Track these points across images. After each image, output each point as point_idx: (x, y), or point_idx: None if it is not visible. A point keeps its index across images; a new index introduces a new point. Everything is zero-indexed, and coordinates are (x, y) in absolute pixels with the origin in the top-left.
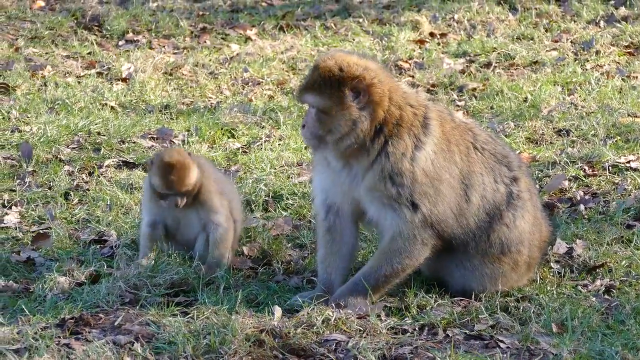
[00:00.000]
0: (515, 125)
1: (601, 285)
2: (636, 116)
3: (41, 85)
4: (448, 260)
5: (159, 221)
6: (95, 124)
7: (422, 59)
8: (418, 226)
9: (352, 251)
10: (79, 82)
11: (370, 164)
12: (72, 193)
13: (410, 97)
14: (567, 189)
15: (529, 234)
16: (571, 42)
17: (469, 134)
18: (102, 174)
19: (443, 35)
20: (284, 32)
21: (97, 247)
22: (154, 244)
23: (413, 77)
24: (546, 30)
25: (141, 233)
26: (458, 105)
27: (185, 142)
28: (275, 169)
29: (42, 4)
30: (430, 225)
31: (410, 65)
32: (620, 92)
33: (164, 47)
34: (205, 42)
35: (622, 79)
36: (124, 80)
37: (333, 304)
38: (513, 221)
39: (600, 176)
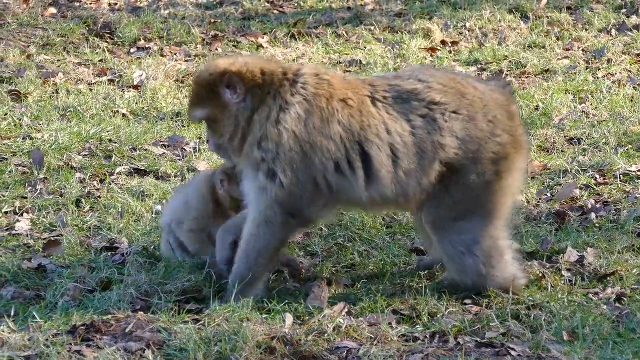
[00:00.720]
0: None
1: (612, 293)
2: None
3: (53, 92)
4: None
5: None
6: (107, 131)
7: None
8: (277, 197)
9: None
10: (90, 89)
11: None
12: (83, 200)
13: (285, 65)
14: (578, 197)
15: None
16: (582, 50)
17: (366, 88)
18: (113, 181)
19: (454, 43)
20: (296, 39)
21: (108, 254)
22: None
23: None
24: (557, 39)
25: None
26: None
27: (197, 149)
28: None
29: (54, 11)
30: (290, 194)
31: None
32: (631, 100)
33: (175, 54)
34: (216, 49)
35: (633, 87)
36: (135, 87)
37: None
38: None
39: (611, 184)
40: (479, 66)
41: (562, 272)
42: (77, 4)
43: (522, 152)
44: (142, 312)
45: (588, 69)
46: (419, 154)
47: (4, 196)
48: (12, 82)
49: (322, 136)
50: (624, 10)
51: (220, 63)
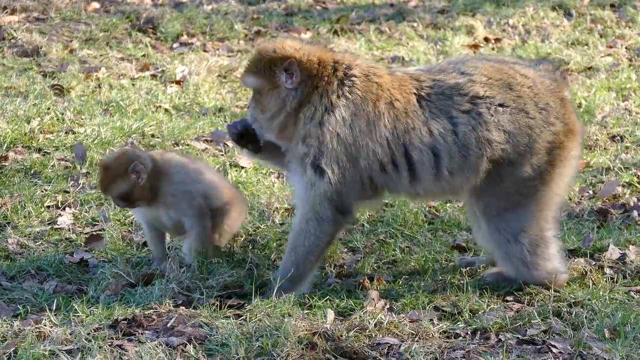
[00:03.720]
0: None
1: None
2: None
3: (95, 87)
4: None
5: (142, 221)
6: (149, 126)
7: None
8: (326, 193)
9: None
10: (133, 84)
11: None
12: None
13: (338, 58)
14: (621, 194)
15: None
16: (626, 47)
17: (412, 84)
18: None
19: (497, 40)
20: (338, 35)
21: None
22: (159, 247)
23: None
24: (601, 36)
25: None
26: None
27: None
28: None
29: (97, 5)
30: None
31: None
32: None
33: (218, 49)
34: (259, 45)
35: None
36: (178, 82)
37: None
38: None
39: None
40: None
41: (604, 269)
42: None
43: (576, 139)
44: (183, 307)
45: (631, 67)
46: (463, 152)
47: (46, 190)
48: (55, 77)
49: (367, 139)
50: None
51: (287, 46)
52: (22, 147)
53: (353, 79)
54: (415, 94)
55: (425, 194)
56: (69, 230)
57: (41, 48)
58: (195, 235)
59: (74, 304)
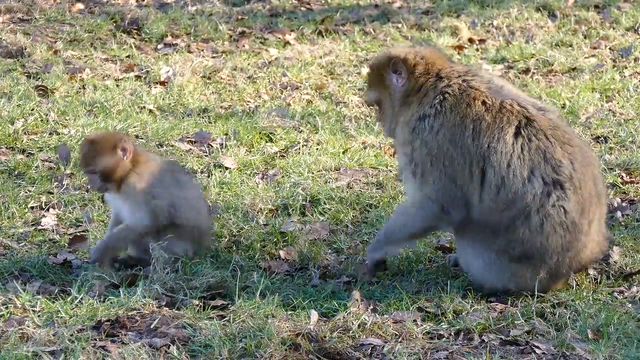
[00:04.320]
0: None
1: (637, 291)
2: None
3: (80, 88)
4: (466, 248)
5: (113, 213)
6: (134, 127)
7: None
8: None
9: None
10: (117, 85)
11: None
12: None
13: (444, 67)
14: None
15: (560, 248)
16: (610, 48)
17: (519, 117)
18: None
19: (482, 41)
20: (323, 36)
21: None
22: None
23: None
24: (585, 37)
25: None
26: None
27: (224, 145)
28: (312, 173)
29: (81, 7)
30: (428, 197)
31: None
32: None
33: (202, 50)
34: (244, 46)
35: None
36: (162, 83)
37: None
38: (540, 227)
39: (638, 183)
40: (506, 64)
41: (588, 270)
42: (104, 0)
43: None
44: (167, 308)
45: (615, 68)
46: (508, 206)
47: (30, 191)
48: (40, 78)
49: (452, 147)
50: None
51: (392, 50)
52: (6, 148)
53: (450, 88)
54: (516, 126)
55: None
56: (53, 231)
57: (25, 49)
58: (128, 226)
59: (57, 305)
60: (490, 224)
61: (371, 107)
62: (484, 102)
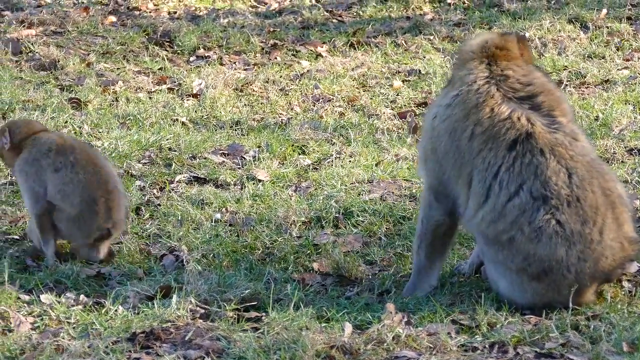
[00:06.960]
0: None
1: None
2: None
3: (112, 101)
4: (490, 269)
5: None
6: (167, 140)
7: None
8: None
9: None
10: (150, 98)
11: None
12: (143, 208)
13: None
14: (639, 208)
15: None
16: None
17: (520, 131)
18: (173, 189)
19: None
20: (355, 49)
21: (168, 261)
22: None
23: None
24: (617, 49)
25: None
26: None
27: (256, 158)
28: (345, 185)
29: (114, 19)
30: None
31: None
32: None
33: (234, 63)
34: (275, 58)
35: None
36: (194, 96)
37: None
38: (536, 240)
39: None
40: None
41: (622, 283)
42: (136, 12)
43: None
44: (201, 320)
45: None
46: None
47: None
48: (73, 90)
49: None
50: None
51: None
52: None
53: (467, 86)
54: (513, 139)
55: None
56: None
57: (58, 62)
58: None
59: (92, 317)
60: (490, 236)
61: None
62: (492, 110)
